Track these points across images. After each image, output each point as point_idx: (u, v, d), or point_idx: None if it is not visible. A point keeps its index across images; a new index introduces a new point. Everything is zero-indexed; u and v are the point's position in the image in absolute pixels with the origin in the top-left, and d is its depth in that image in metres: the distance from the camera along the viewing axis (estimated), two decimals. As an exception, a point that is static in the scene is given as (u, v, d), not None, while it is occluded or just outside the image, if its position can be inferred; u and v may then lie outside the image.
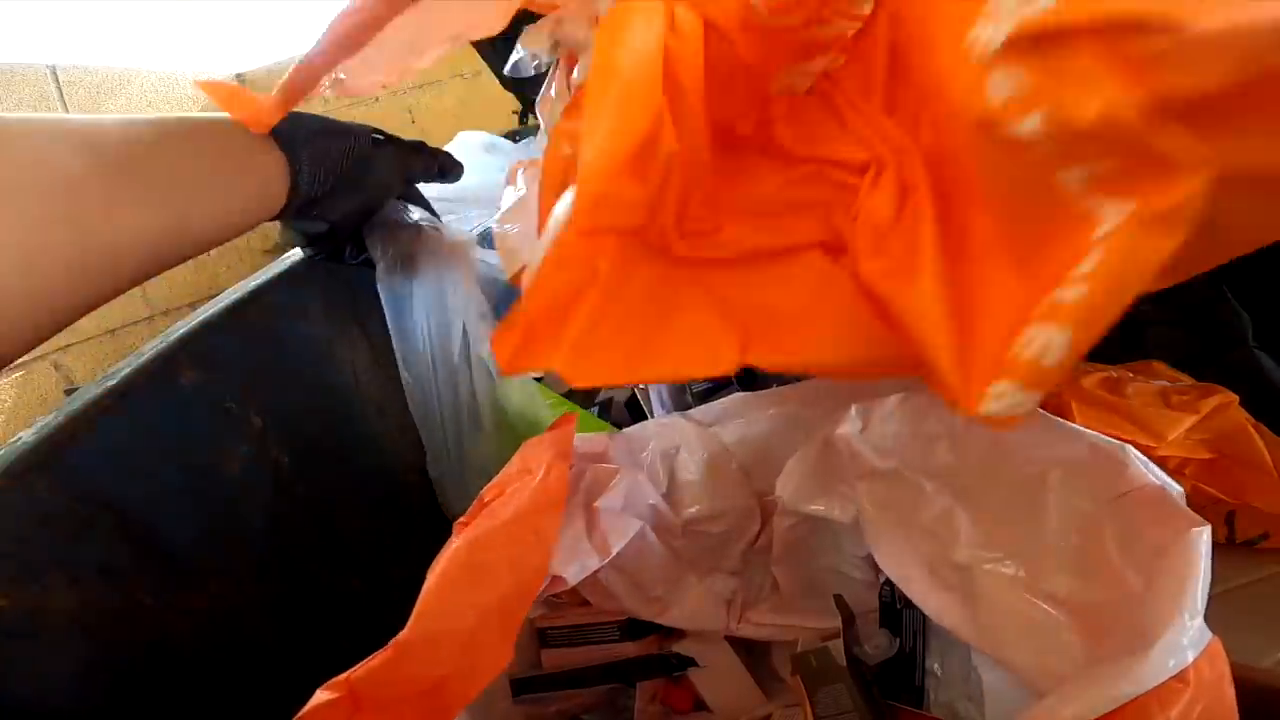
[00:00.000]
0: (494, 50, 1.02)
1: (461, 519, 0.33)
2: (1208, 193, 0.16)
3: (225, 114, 0.38)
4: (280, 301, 0.54)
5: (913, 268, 0.22)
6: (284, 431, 0.49)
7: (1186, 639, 0.21)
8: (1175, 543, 0.23)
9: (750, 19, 0.24)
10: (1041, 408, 0.26)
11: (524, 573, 0.31)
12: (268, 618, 0.46)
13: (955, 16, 0.19)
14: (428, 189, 0.56)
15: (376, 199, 0.50)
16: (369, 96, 1.55)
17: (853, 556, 0.40)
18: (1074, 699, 0.21)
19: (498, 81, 0.84)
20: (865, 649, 0.37)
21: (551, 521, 0.32)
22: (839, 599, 0.38)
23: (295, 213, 0.44)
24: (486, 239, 0.59)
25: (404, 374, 0.62)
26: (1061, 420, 0.30)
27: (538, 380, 0.54)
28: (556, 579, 0.33)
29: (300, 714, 0.26)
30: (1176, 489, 0.26)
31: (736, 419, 0.42)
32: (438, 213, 0.57)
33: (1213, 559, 0.23)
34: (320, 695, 0.27)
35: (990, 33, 0.18)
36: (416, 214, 0.54)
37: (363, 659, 0.28)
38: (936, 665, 0.36)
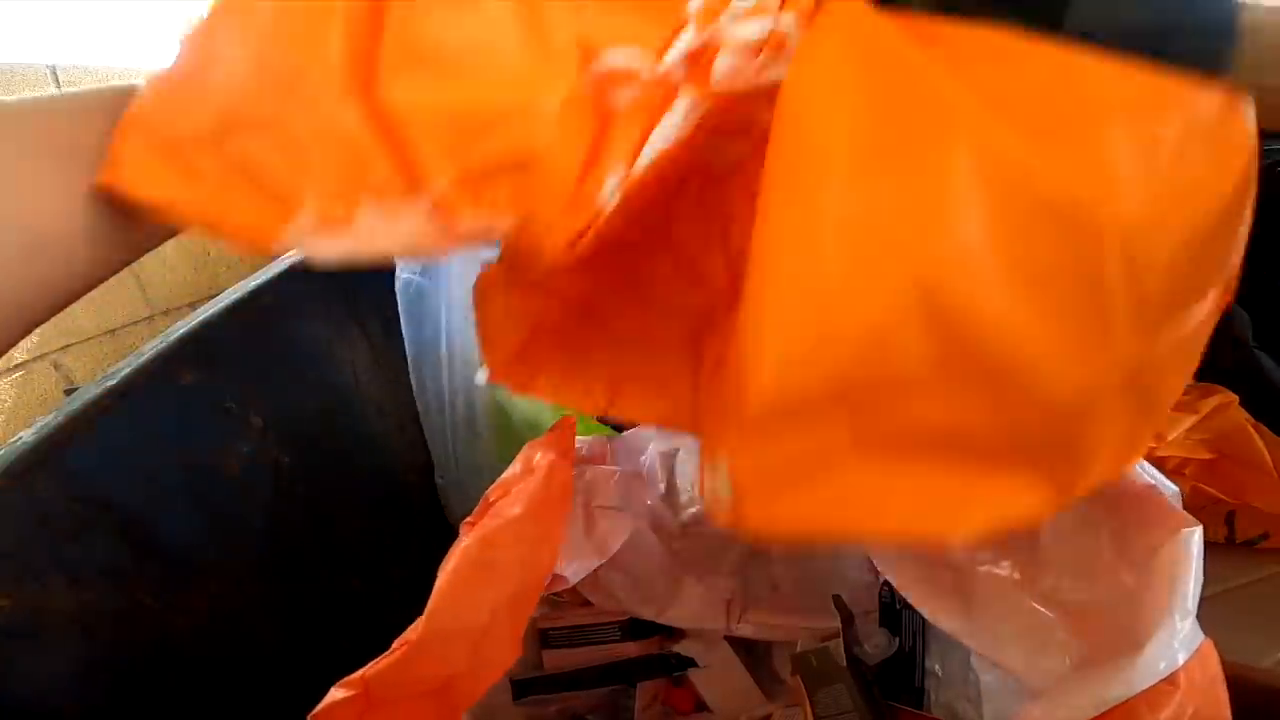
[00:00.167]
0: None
1: (469, 519, 0.33)
2: None
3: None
4: (280, 301, 0.54)
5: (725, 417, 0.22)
6: (284, 431, 0.49)
7: (1177, 640, 0.21)
8: (1167, 543, 0.23)
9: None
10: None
11: (533, 569, 0.31)
12: (268, 618, 0.46)
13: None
14: None
15: None
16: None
17: (852, 557, 0.40)
18: (1063, 702, 0.21)
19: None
20: (865, 649, 0.37)
21: (558, 518, 0.32)
22: (838, 599, 0.38)
23: None
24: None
25: (415, 382, 0.63)
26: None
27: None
28: (557, 578, 0.33)
29: (315, 711, 0.26)
30: (1171, 489, 0.26)
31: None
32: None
33: (1213, 559, 0.23)
34: (335, 693, 0.27)
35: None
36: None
37: (362, 658, 0.28)
38: (937, 665, 0.36)
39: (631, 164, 0.18)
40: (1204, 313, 0.19)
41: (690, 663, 0.43)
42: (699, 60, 0.17)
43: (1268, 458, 0.41)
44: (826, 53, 0.17)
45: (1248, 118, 0.17)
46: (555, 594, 0.42)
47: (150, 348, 0.43)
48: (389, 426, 0.63)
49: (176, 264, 1.55)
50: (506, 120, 0.15)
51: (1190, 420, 0.41)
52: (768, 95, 0.17)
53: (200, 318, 0.47)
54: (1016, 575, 0.29)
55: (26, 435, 0.36)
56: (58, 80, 1.24)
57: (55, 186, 0.17)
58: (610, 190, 0.18)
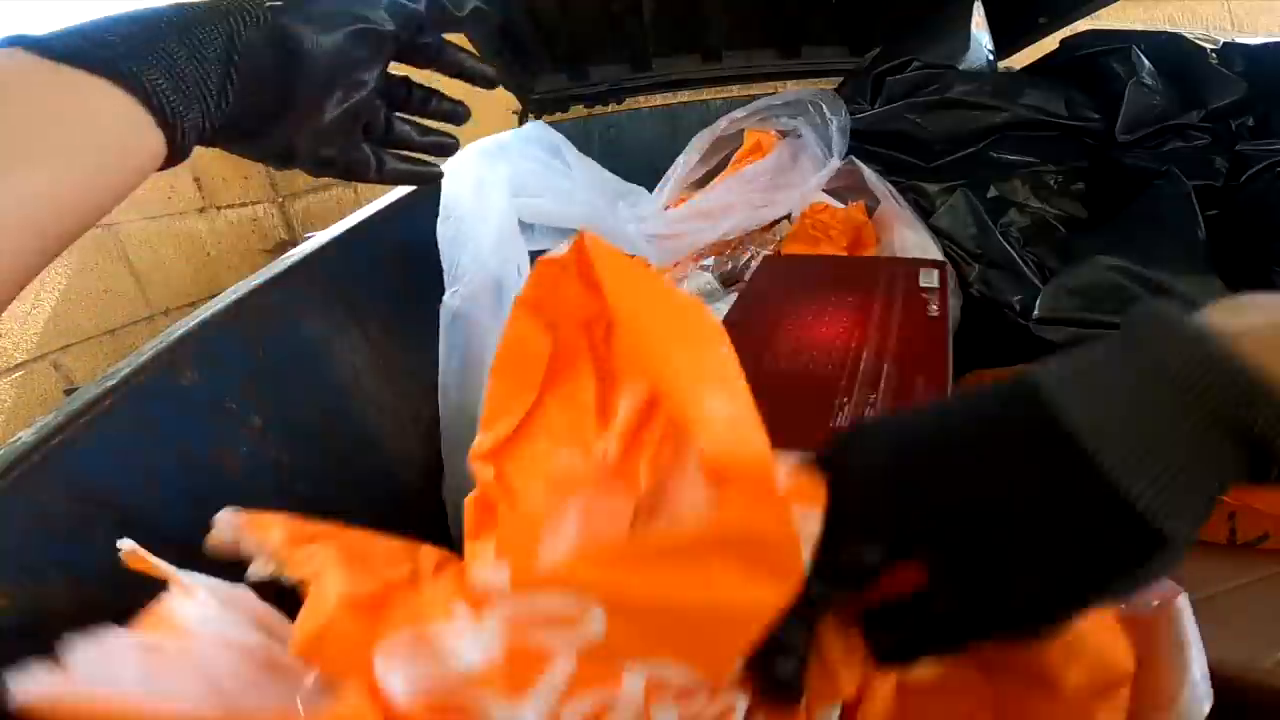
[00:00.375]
0: (495, 50, 1.02)
1: None
2: None
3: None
4: (280, 301, 0.54)
5: None
6: (284, 431, 0.49)
7: None
8: None
9: None
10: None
11: None
12: (268, 618, 0.46)
13: None
14: None
15: (331, 90, 0.36)
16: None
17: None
18: None
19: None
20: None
21: None
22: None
23: (228, 145, 0.35)
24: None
25: (442, 401, 0.66)
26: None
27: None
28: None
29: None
30: None
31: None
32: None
33: (1213, 559, 0.23)
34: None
35: None
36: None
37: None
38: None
39: None
40: None
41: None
42: None
43: (1268, 458, 0.41)
44: None
45: None
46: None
47: (150, 348, 0.43)
48: (389, 427, 0.63)
49: (176, 264, 1.55)
50: None
51: (1191, 420, 0.41)
52: None
53: (200, 318, 0.47)
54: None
55: (26, 435, 0.36)
56: (58, 80, 1.23)
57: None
58: None
